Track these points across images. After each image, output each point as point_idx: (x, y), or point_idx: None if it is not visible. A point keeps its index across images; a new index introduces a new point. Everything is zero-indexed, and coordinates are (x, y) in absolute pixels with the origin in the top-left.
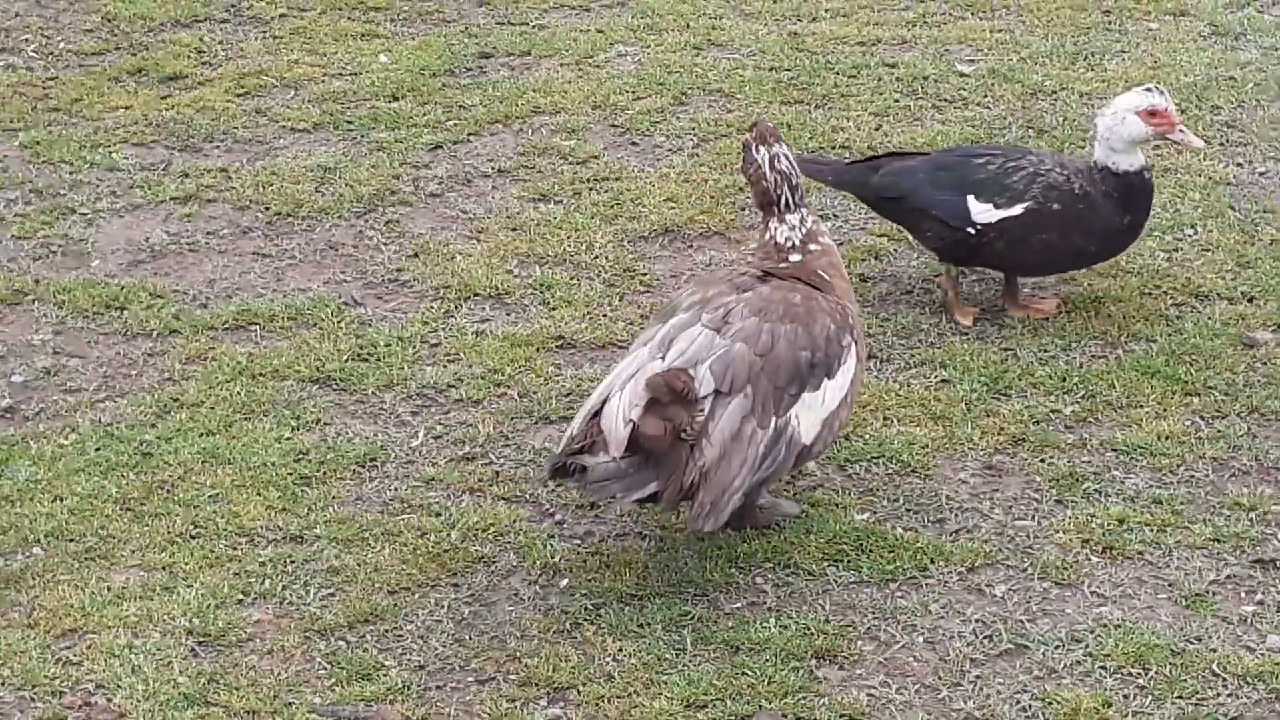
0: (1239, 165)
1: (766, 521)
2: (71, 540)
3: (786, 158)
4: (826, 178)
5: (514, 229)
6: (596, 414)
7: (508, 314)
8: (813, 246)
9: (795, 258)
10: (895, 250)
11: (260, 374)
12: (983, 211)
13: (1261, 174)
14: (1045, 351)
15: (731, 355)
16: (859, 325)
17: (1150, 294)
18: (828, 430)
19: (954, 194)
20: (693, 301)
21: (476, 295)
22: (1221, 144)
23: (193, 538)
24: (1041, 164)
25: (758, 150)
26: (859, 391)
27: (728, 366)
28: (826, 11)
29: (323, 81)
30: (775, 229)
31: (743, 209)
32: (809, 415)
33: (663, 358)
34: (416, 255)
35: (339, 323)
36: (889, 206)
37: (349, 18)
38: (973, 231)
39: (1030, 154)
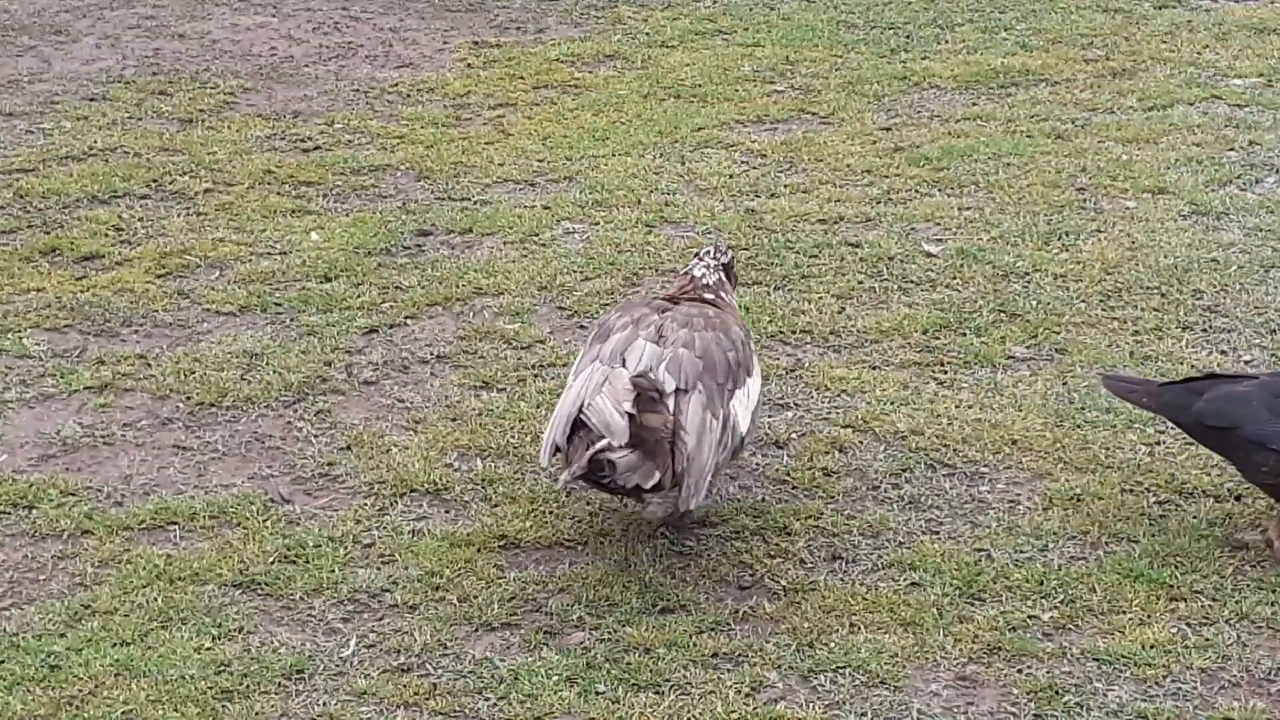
0: (1223, 352)
1: (685, 522)
2: None
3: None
4: (1141, 400)
5: (454, 419)
6: (577, 427)
7: (447, 511)
8: (722, 295)
9: (707, 295)
10: (860, 443)
11: (179, 578)
12: None
13: (1247, 362)
14: (1021, 552)
15: (680, 358)
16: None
17: (1132, 491)
18: (753, 423)
19: None
20: (625, 323)
21: (413, 491)
22: (1204, 330)
23: None
24: None
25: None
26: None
27: (680, 367)
28: (786, 187)
29: (250, 261)
30: (693, 265)
31: None
32: (742, 408)
33: (624, 365)
34: (349, 448)
35: (265, 522)
36: (1215, 436)
37: (278, 193)
38: None
39: None
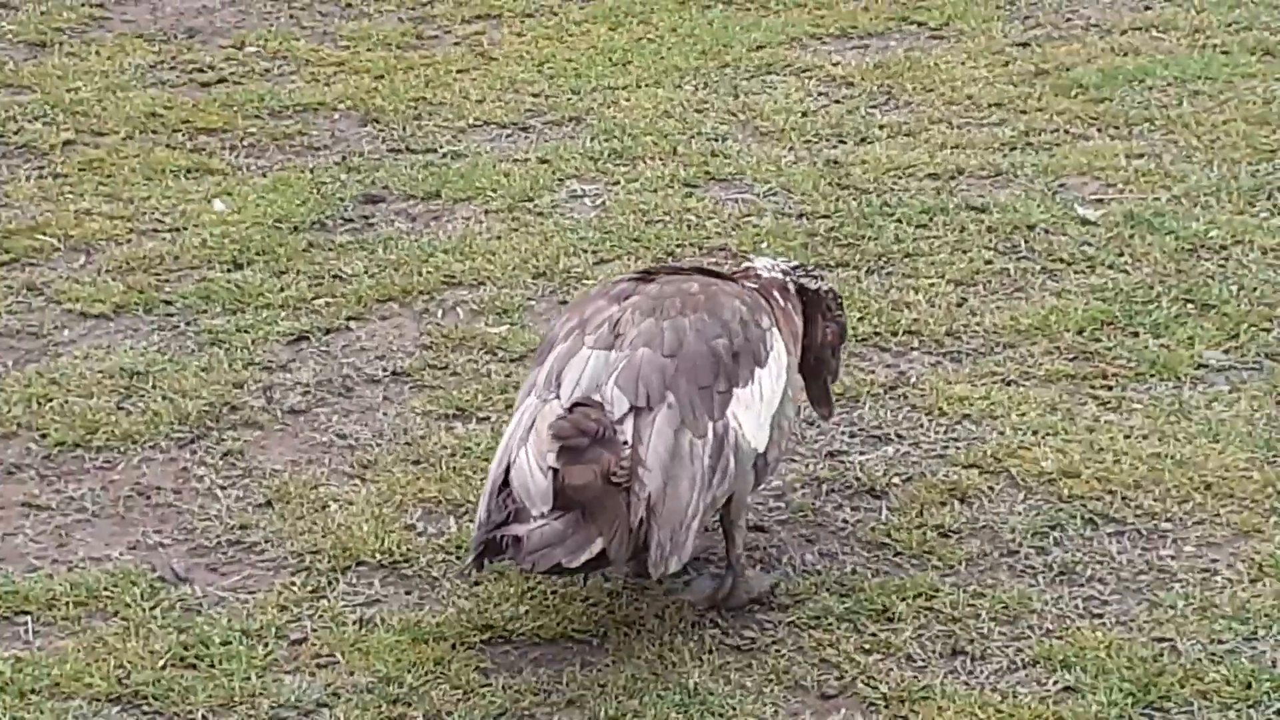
0: None
1: (741, 601)
2: None
3: (833, 295)
4: None
5: (417, 462)
6: (503, 487)
7: (408, 593)
8: (775, 301)
9: (748, 285)
10: (991, 489)
11: (32, 690)
12: None
13: None
14: (1220, 643)
15: (637, 364)
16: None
17: None
18: (779, 433)
19: None
20: (569, 329)
21: (361, 564)
22: None
23: None
24: None
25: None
26: (802, 396)
27: (636, 377)
28: (882, 129)
29: (128, 242)
30: (761, 260)
31: None
32: (749, 414)
33: (556, 397)
34: (269, 504)
35: (152, 610)
36: None
37: (167, 145)
38: None
39: None
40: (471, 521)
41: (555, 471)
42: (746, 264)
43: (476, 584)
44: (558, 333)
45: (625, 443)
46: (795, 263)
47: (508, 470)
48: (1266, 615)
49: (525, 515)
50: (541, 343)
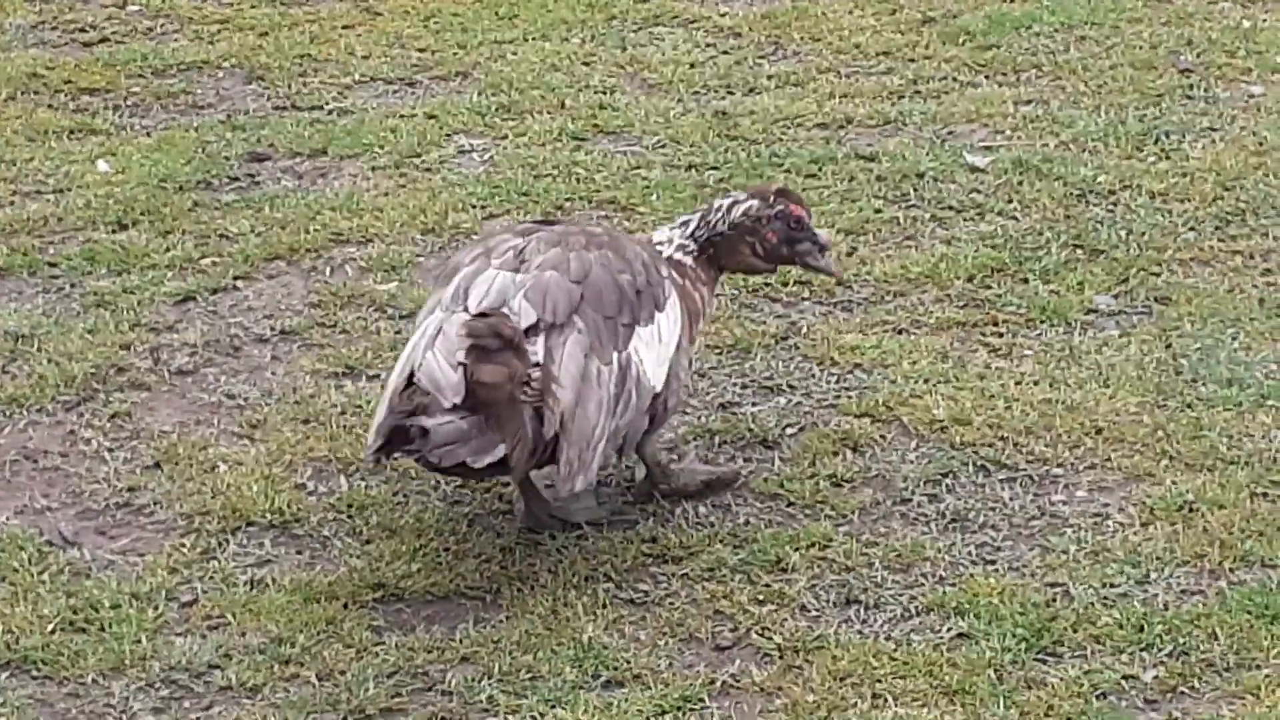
0: None
1: (693, 485)
2: None
3: (747, 215)
4: None
5: (306, 421)
6: (406, 387)
7: (299, 552)
8: (686, 278)
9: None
10: (883, 438)
11: None
12: None
13: None
14: (1112, 587)
15: (545, 282)
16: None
17: (1265, 495)
18: (675, 380)
19: None
20: (475, 255)
21: (251, 525)
22: None
23: None
24: None
25: (750, 199)
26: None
27: (545, 294)
28: (770, 79)
29: (11, 204)
30: (659, 230)
31: None
32: (650, 353)
33: (465, 309)
34: (158, 465)
35: (40, 574)
36: None
37: (49, 105)
38: None
39: None
40: (364, 480)
41: (465, 368)
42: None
43: (368, 542)
44: (461, 259)
45: (537, 361)
46: (687, 219)
47: (411, 375)
48: (1158, 559)
49: (434, 408)
50: (442, 271)
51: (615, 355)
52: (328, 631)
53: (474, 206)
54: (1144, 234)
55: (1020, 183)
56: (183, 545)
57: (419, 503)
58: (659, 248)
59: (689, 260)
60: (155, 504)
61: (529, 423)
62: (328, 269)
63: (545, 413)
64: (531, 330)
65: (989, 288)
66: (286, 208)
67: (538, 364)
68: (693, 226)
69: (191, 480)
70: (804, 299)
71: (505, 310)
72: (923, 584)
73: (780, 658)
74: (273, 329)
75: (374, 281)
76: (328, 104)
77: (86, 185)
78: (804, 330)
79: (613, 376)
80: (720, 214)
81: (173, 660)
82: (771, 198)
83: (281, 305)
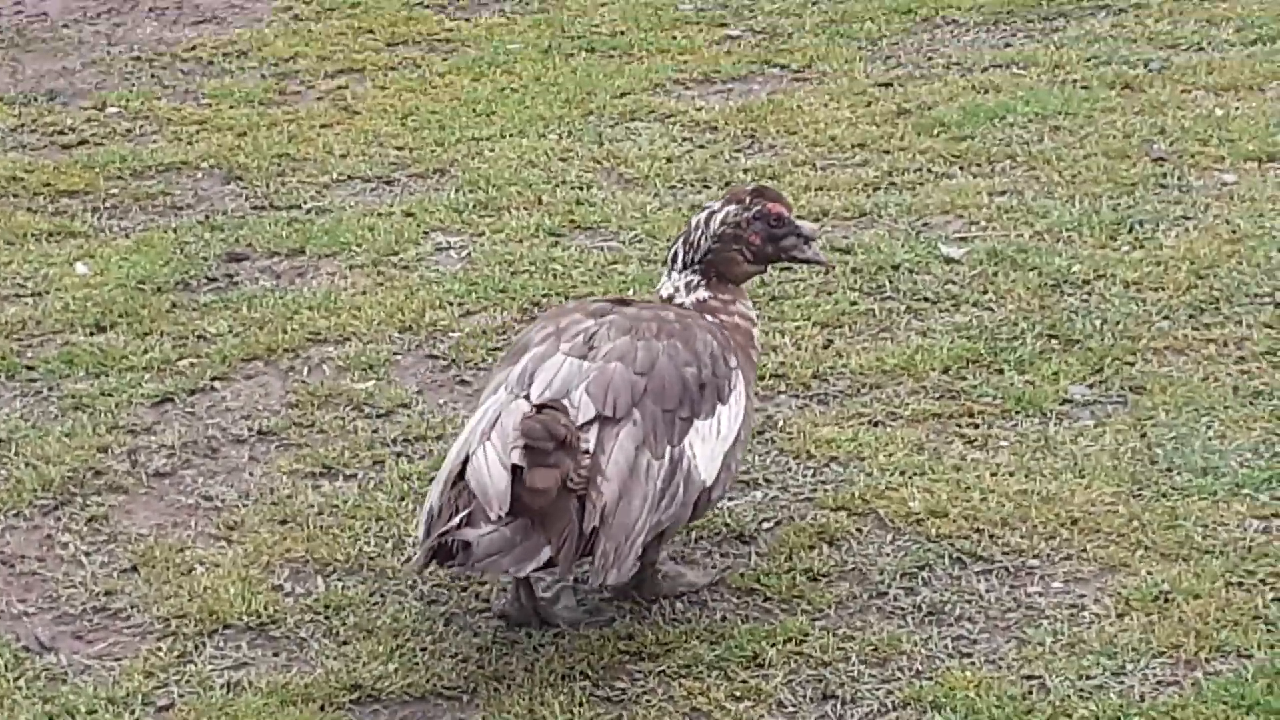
0: None
1: (670, 591)
2: None
3: (727, 223)
4: None
5: (283, 522)
6: (458, 480)
7: (276, 654)
8: (711, 306)
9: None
10: (859, 531)
11: None
12: None
13: None
14: (1087, 678)
15: (609, 375)
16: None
17: (1241, 584)
18: (726, 472)
19: None
20: (545, 335)
21: (228, 627)
22: None
23: None
24: None
25: (726, 205)
26: (750, 430)
27: (607, 387)
28: (746, 172)
29: None
30: (662, 284)
31: None
32: (705, 447)
33: (526, 396)
34: (135, 569)
35: (16, 680)
36: None
37: (29, 208)
38: None
39: None
40: (341, 580)
41: (517, 470)
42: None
43: (345, 643)
44: (532, 337)
45: (586, 450)
46: (680, 253)
47: (465, 463)
48: (1134, 650)
49: (478, 517)
50: (512, 347)
51: (668, 449)
52: None
53: (451, 304)
54: (1118, 323)
55: (995, 273)
56: (159, 649)
57: (396, 602)
58: (677, 300)
59: (707, 294)
60: (132, 607)
61: (575, 517)
62: (305, 368)
63: (588, 505)
64: (588, 424)
65: (964, 379)
66: (264, 307)
67: (587, 452)
68: (682, 256)
69: (168, 583)
70: (780, 392)
71: (566, 402)
72: (899, 678)
73: None
74: (250, 429)
75: (351, 380)
76: (306, 203)
77: (65, 288)
78: (780, 424)
79: (661, 471)
80: (700, 230)
81: None
82: (748, 199)
83: (259, 405)
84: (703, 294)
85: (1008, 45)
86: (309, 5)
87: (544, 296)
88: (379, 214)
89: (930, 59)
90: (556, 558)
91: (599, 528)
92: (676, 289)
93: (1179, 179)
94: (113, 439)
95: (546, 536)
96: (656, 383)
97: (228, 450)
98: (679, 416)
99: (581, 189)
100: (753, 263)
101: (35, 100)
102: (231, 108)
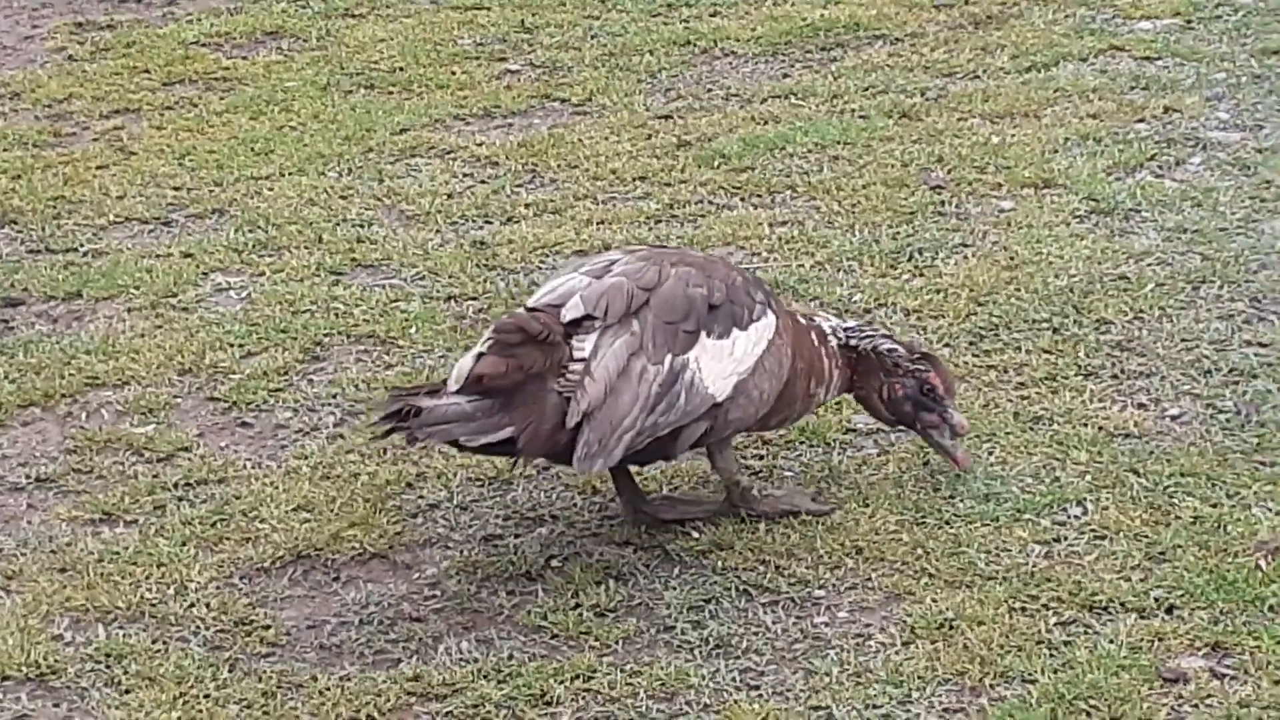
0: (1141, 407)
1: (773, 508)
2: None
3: (888, 354)
4: None
5: (63, 570)
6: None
7: (56, 705)
8: (822, 352)
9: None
10: (645, 566)
11: None
12: None
13: (1174, 417)
14: (874, 706)
15: (607, 285)
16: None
17: (1024, 610)
18: (744, 397)
19: None
20: (574, 264)
21: (7, 679)
22: (1115, 376)
23: None
24: None
25: (899, 344)
26: (782, 374)
27: (602, 294)
28: (528, 207)
29: None
30: (827, 318)
31: (412, 515)
32: (714, 364)
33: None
34: None
35: None
36: None
37: None
38: None
39: None
40: (123, 628)
41: (480, 357)
42: (810, 317)
43: (127, 691)
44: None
45: (582, 357)
46: (854, 324)
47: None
48: (920, 678)
49: (442, 392)
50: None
51: (668, 357)
52: None
53: (231, 345)
54: None
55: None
56: None
57: (179, 649)
58: (823, 327)
59: (835, 345)
60: None
61: (552, 410)
62: (83, 414)
63: (571, 403)
64: (579, 326)
65: None
66: (40, 353)
67: (582, 359)
68: (852, 326)
69: None
70: None
71: (556, 308)
72: (688, 712)
73: None
74: (28, 477)
75: (131, 425)
76: (82, 246)
77: None
78: None
79: (659, 377)
80: (869, 337)
81: None
82: (917, 355)
83: (36, 453)
84: (834, 344)
85: (786, 76)
86: (83, 45)
87: (325, 335)
88: (157, 255)
89: (710, 91)
90: (518, 439)
91: (586, 420)
92: (833, 330)
93: (957, 207)
94: None
95: (510, 417)
96: (659, 298)
97: (5, 498)
98: (683, 329)
99: (362, 226)
100: (884, 406)
101: None
102: (4, 150)
